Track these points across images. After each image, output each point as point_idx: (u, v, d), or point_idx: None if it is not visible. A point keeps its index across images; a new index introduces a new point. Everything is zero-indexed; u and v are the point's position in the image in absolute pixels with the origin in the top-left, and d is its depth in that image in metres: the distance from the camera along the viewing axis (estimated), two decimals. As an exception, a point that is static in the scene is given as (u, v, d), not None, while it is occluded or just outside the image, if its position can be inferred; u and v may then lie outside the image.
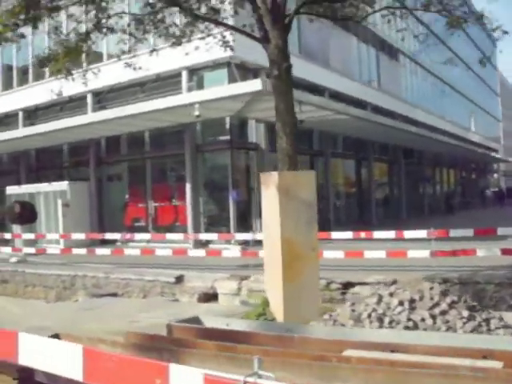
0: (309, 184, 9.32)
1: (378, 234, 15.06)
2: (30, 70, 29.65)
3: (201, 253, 17.54)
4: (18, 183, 27.88)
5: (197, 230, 22.06)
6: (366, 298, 7.82)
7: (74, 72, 12.20)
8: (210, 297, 14.58)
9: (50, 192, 25.07)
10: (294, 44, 25.74)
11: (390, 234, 14.90)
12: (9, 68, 31.47)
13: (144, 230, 23.69)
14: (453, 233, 14.51)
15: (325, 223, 25.29)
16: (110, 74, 25.03)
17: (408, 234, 14.80)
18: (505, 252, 13.53)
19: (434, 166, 45.92)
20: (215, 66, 22.42)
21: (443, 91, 49.75)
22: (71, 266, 18.42)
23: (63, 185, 24.74)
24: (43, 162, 29.58)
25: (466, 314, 7.13)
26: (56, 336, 6.29)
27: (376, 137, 30.09)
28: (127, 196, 25.70)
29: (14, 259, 20.71)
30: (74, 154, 27.86)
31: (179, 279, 15.39)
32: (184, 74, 22.86)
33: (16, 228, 25.12)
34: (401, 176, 37.40)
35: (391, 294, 7.49)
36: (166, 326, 7.37)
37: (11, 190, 27.19)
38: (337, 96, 27.91)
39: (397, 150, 36.69)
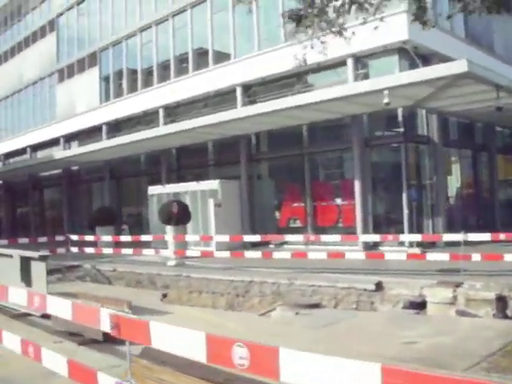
0: None
1: None
2: (172, 67, 28.70)
3: (402, 256, 15.56)
4: (159, 183, 26.85)
5: (366, 230, 20.14)
6: None
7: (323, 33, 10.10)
8: (416, 306, 12.71)
9: (197, 191, 23.73)
10: (460, 27, 23.60)
11: None
12: (149, 65, 30.68)
13: (301, 231, 22.00)
14: None
15: (489, 223, 23.07)
16: (260, 65, 23.75)
17: None
18: None
19: None
20: (383, 52, 20.40)
21: None
22: (239, 270, 16.85)
23: (214, 183, 23.33)
24: (185, 161, 28.47)
25: None
26: None
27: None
28: (282, 195, 24.05)
29: (172, 262, 19.42)
30: (220, 152, 26.58)
31: (379, 286, 13.51)
32: (349, 63, 20.92)
33: (155, 229, 24.22)
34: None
35: None
36: None
37: (154, 189, 26.20)
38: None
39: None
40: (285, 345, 3.93)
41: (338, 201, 21.92)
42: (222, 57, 26.28)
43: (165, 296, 15.40)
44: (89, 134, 34.79)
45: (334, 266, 15.85)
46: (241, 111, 21.66)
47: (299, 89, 22.56)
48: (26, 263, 12.56)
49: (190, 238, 20.74)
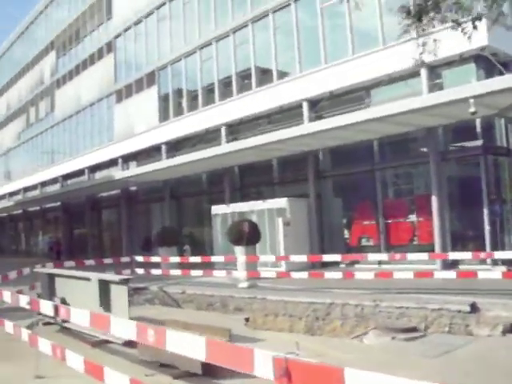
0: None
1: None
2: (234, 83, 28.24)
3: (491, 275, 14.59)
4: (221, 202, 26.26)
5: (444, 248, 19.13)
6: None
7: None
8: (514, 329, 11.69)
9: (264, 210, 23.02)
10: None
11: None
12: (209, 83, 30.32)
13: (374, 249, 21.12)
14: None
15: None
16: (327, 79, 23.10)
17: None
18: None
19: None
20: (459, 61, 19.49)
21: None
22: (318, 292, 16.00)
23: (282, 202, 22.61)
24: (248, 180, 27.89)
25: None
26: None
27: None
28: (352, 213, 23.21)
29: (244, 284, 18.65)
30: (285, 169, 25.93)
31: (474, 307, 12.51)
32: (423, 73, 20.06)
33: (219, 250, 23.70)
34: None
35: None
36: None
37: (217, 209, 25.63)
38: None
39: None
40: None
41: (413, 217, 20.96)
42: (286, 72, 25.73)
43: (247, 320, 14.70)
44: (148, 153, 34.62)
45: (418, 286, 14.99)
46: (310, 126, 20.90)
47: (368, 103, 21.83)
48: (104, 287, 11.98)
49: (266, 258, 20.00)
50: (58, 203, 47.19)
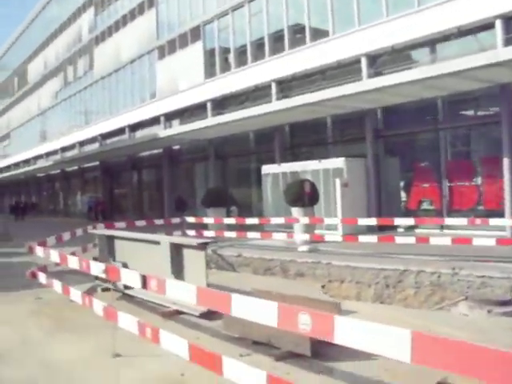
0: None
1: None
2: (285, 38, 26.96)
3: None
4: (268, 162, 25.31)
5: (515, 213, 18.02)
6: None
7: None
8: None
9: (319, 170, 22.00)
10: None
11: None
12: (259, 37, 29.06)
13: (435, 213, 20.11)
14: None
15: None
16: (387, 33, 21.81)
17: None
18: None
19: None
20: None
21: None
22: (389, 257, 15.05)
23: (339, 162, 21.57)
24: (298, 139, 26.81)
25: None
26: None
27: None
28: (412, 174, 22.09)
29: (304, 248, 17.74)
30: (341, 128, 24.75)
31: None
32: (498, 24, 18.54)
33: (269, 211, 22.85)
34: None
35: None
36: None
37: (268, 169, 24.70)
38: None
39: None
40: None
41: (479, 181, 19.80)
42: (341, 26, 24.34)
43: (323, 287, 13.88)
44: (192, 111, 33.69)
45: (496, 253, 13.99)
46: (375, 81, 19.39)
47: (434, 58, 20.48)
48: (176, 251, 11.05)
49: (330, 220, 19.09)
50: (97, 163, 46.70)
